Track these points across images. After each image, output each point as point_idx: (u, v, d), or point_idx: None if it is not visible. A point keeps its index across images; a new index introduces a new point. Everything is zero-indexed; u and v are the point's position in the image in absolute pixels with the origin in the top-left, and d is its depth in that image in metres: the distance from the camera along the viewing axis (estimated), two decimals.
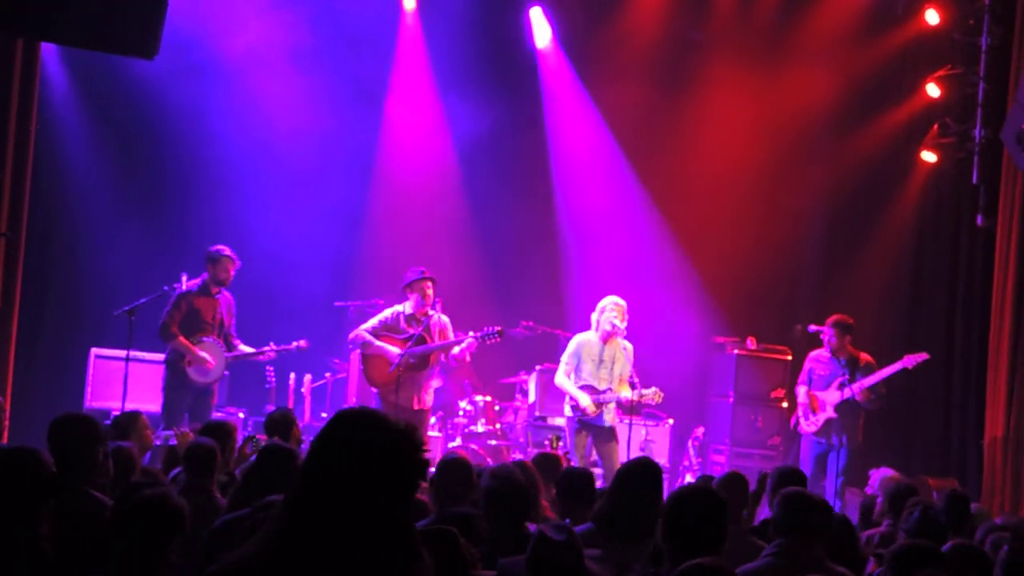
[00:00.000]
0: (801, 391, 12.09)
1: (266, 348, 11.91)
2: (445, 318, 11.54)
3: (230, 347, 11.70)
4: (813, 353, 12.29)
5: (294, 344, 11.97)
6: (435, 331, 11.42)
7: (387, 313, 11.60)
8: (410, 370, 11.30)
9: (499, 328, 11.29)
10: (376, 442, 2.88)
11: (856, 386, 11.68)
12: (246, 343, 11.97)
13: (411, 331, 11.35)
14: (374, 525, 2.84)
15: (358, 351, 12.07)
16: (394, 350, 11.30)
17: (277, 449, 6.13)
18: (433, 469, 6.31)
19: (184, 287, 11.57)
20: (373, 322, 11.59)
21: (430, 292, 11.40)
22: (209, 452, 6.89)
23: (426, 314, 11.40)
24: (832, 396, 11.79)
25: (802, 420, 12.06)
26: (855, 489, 11.70)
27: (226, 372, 12.16)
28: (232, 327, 11.77)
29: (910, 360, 11.77)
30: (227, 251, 11.63)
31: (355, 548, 2.83)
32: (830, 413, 11.76)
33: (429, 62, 15.00)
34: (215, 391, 11.63)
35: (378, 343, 11.41)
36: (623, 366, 11.19)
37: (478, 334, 11.28)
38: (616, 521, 5.64)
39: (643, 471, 5.87)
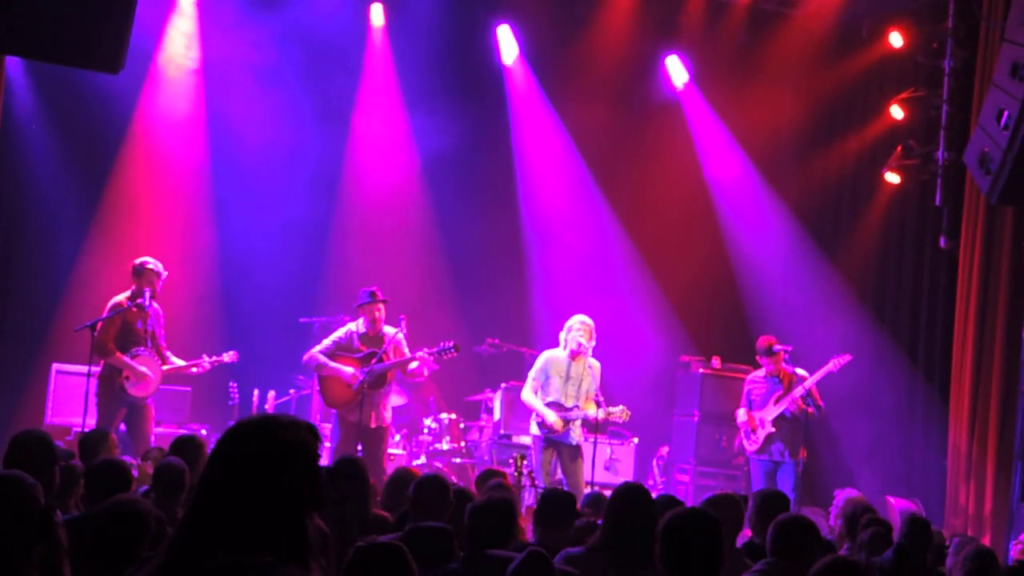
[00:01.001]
0: (740, 412, 12.15)
1: (199, 361, 11.76)
2: (400, 335, 11.44)
3: (162, 359, 11.55)
4: (749, 376, 12.36)
5: (224, 355, 11.85)
6: (389, 348, 11.34)
7: (340, 332, 11.52)
8: (368, 388, 11.24)
9: (454, 343, 11.23)
10: (266, 451, 2.95)
11: (788, 398, 11.74)
12: (208, 358, 11.85)
13: (365, 350, 11.29)
14: (264, 534, 2.91)
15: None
16: (348, 370, 11.21)
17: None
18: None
19: (111, 301, 11.38)
20: (327, 343, 11.50)
21: (379, 315, 11.35)
22: (179, 473, 6.83)
23: (379, 332, 11.35)
24: (769, 412, 11.86)
25: (745, 442, 12.12)
26: (818, 509, 11.74)
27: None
28: (161, 339, 11.62)
29: (835, 363, 11.82)
30: (151, 263, 11.45)
31: (243, 554, 2.88)
32: (768, 429, 11.83)
33: (396, 78, 14.98)
34: (151, 405, 11.47)
35: (333, 364, 11.31)
36: (590, 384, 11.19)
37: (433, 350, 11.22)
38: (615, 549, 5.67)
39: (637, 497, 5.92)
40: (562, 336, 11.31)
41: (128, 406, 11.24)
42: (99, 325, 10.99)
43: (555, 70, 15.41)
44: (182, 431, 11.64)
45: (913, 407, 13.94)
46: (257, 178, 14.33)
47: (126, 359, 11.19)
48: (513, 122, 15.54)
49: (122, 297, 11.35)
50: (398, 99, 15.03)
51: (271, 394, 13.25)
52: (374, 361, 11.14)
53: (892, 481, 13.58)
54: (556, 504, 6.70)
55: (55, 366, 12.50)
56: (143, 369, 11.25)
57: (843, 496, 10.36)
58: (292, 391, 13.54)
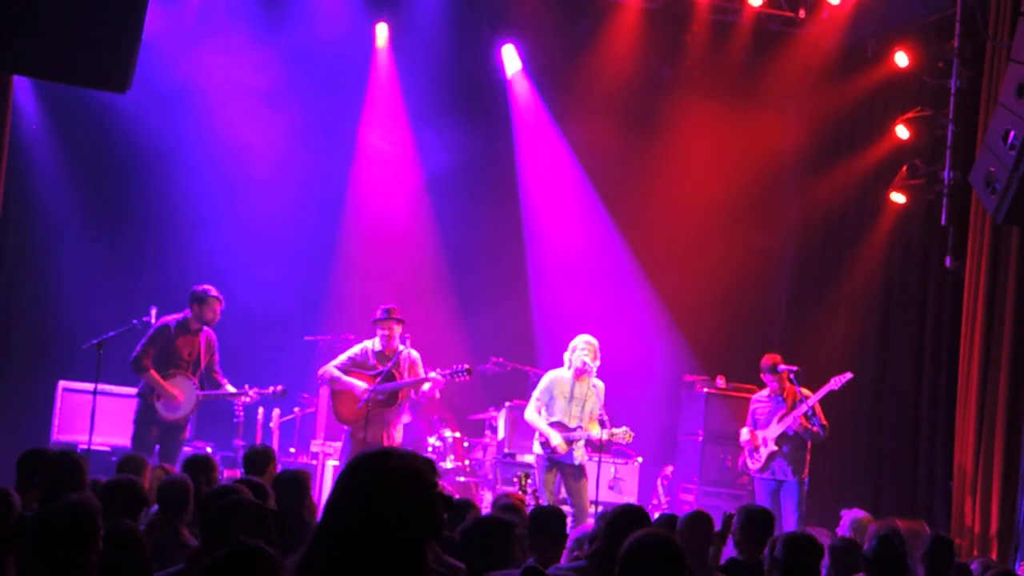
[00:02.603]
0: (744, 432, 12.17)
1: (244, 390, 11.82)
2: (415, 354, 11.52)
3: (211, 384, 11.64)
4: (755, 396, 12.37)
5: (271, 389, 11.90)
6: (404, 367, 11.40)
7: (356, 349, 11.59)
8: (379, 407, 11.27)
9: (467, 366, 11.29)
10: (383, 482, 3.07)
11: (791, 416, 11.73)
12: (251, 389, 11.89)
13: (380, 367, 11.33)
14: (395, 564, 3.02)
15: (327, 387, 12.03)
16: (362, 386, 11.27)
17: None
18: None
19: (156, 321, 11.49)
20: (342, 358, 11.57)
21: (395, 332, 11.39)
22: (182, 488, 6.83)
23: (395, 350, 11.38)
24: (772, 431, 11.86)
25: (748, 460, 12.13)
26: (824, 530, 11.71)
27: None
28: (216, 364, 11.72)
29: (836, 381, 11.83)
30: (214, 291, 11.59)
31: None
32: (771, 447, 11.83)
33: (401, 96, 15.01)
34: (186, 427, 11.55)
35: (346, 379, 11.38)
36: (594, 404, 11.19)
37: (446, 371, 11.26)
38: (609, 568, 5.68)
39: (635, 518, 5.94)
40: (566, 356, 11.32)
41: (159, 427, 11.32)
42: (140, 342, 11.22)
43: (559, 88, 15.45)
44: (187, 449, 11.68)
45: (918, 427, 13.90)
46: (262, 197, 14.33)
47: (158, 377, 11.27)
48: (517, 140, 15.57)
49: (171, 319, 11.47)
50: (402, 117, 15.06)
51: (276, 412, 13.24)
52: (380, 380, 11.17)
53: (897, 503, 13.54)
54: (547, 521, 6.73)
55: (61, 383, 12.53)
56: (173, 391, 11.32)
57: (850, 516, 10.35)
58: (297, 409, 13.54)
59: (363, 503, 3.05)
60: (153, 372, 11.28)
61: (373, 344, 11.51)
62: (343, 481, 3.13)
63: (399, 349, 11.40)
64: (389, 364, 11.31)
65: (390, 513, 3.05)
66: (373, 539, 3.02)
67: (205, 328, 11.60)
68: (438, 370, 11.33)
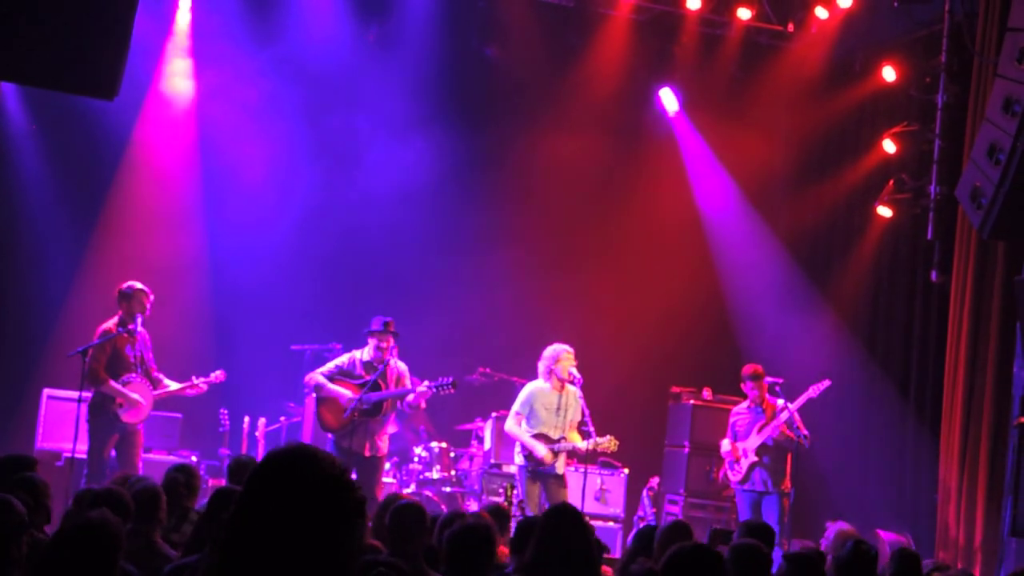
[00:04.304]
0: (724, 443, 12.17)
1: (190, 382, 11.73)
2: (402, 365, 11.53)
3: (154, 383, 11.54)
4: (735, 408, 12.39)
5: (212, 375, 11.82)
6: (391, 378, 11.41)
7: (344, 358, 11.59)
8: (363, 416, 11.26)
9: (453, 379, 11.28)
10: (306, 485, 2.80)
11: (771, 426, 11.75)
12: (197, 378, 11.82)
13: (366, 377, 11.33)
14: (309, 568, 2.77)
15: (313, 395, 12.02)
16: (348, 394, 11.27)
17: (230, 494, 6.04)
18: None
19: (100, 328, 11.36)
20: (329, 366, 11.58)
21: (388, 346, 11.40)
22: (154, 495, 6.78)
23: (383, 361, 11.39)
24: (752, 442, 11.87)
25: (728, 472, 12.14)
26: (809, 542, 11.71)
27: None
28: (151, 362, 11.59)
29: (814, 389, 11.84)
30: (139, 285, 11.47)
31: None
32: (751, 458, 11.84)
33: (389, 106, 14.98)
34: (141, 431, 11.45)
35: (332, 387, 11.37)
36: (574, 413, 11.24)
37: (432, 384, 11.26)
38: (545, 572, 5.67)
39: (571, 519, 5.90)
40: (543, 365, 11.32)
41: (120, 432, 11.23)
42: (90, 352, 10.98)
43: (547, 99, 15.44)
44: (172, 458, 11.64)
45: (904, 440, 13.93)
46: (250, 205, 14.33)
47: (118, 386, 11.18)
48: (504, 152, 15.55)
49: (110, 323, 11.34)
50: (391, 127, 15.04)
51: (261, 421, 13.22)
52: (368, 389, 11.18)
53: (882, 513, 13.55)
54: (528, 532, 6.71)
55: (46, 391, 12.47)
56: (135, 396, 11.25)
57: (834, 529, 10.35)
58: (283, 418, 13.52)
59: (275, 509, 2.79)
60: (111, 382, 11.19)
61: (362, 354, 11.51)
62: (253, 485, 2.84)
63: (387, 360, 11.40)
64: (375, 374, 11.31)
65: (306, 520, 2.78)
66: (287, 538, 2.77)
67: (138, 328, 11.42)
68: (425, 382, 11.33)
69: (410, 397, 11.33)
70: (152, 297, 11.50)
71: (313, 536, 2.78)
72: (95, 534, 4.60)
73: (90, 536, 4.59)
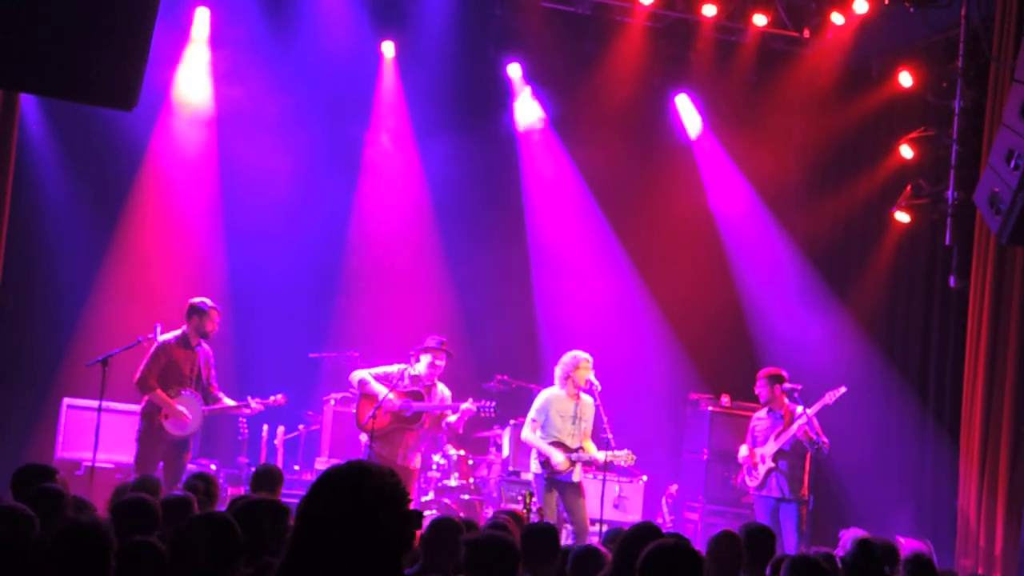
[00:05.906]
0: (743, 449, 12.12)
1: (246, 401, 11.81)
2: (447, 391, 11.60)
3: (210, 399, 11.61)
4: (755, 414, 12.34)
5: (271, 398, 11.90)
6: (435, 398, 11.51)
7: (394, 368, 11.63)
8: (401, 423, 11.31)
9: (496, 403, 11.40)
10: (363, 499, 3.14)
11: (788, 432, 11.70)
12: (254, 399, 11.89)
13: (411, 387, 11.43)
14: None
15: (331, 404, 12.04)
16: (390, 395, 11.30)
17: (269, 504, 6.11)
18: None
19: (159, 338, 11.48)
20: (377, 369, 11.63)
21: (440, 363, 11.47)
22: (185, 506, 6.81)
23: (432, 380, 11.48)
24: (769, 448, 11.83)
25: (747, 478, 12.09)
26: (827, 550, 11.66)
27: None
28: (212, 379, 11.68)
29: (830, 396, 11.79)
30: (211, 302, 11.58)
31: None
32: (769, 464, 11.79)
33: (407, 114, 15.05)
34: (191, 445, 11.53)
35: (376, 385, 11.42)
36: (589, 420, 11.23)
37: (477, 404, 11.35)
38: None
39: (649, 536, 5.91)
40: (560, 371, 11.30)
41: (167, 444, 11.30)
42: (143, 362, 11.19)
43: (564, 106, 15.46)
44: (191, 466, 11.67)
45: (923, 446, 13.90)
46: (268, 213, 14.37)
47: (164, 396, 11.26)
48: (522, 158, 15.59)
49: (171, 336, 11.42)
50: (408, 135, 15.10)
51: (280, 429, 13.25)
52: (412, 397, 11.27)
53: (902, 521, 13.52)
54: (539, 538, 6.70)
55: (66, 400, 12.52)
56: (181, 408, 11.30)
57: (849, 536, 10.30)
58: (301, 426, 13.54)
59: (341, 517, 3.14)
60: (160, 391, 11.27)
61: (414, 370, 11.55)
62: (320, 493, 3.20)
63: (434, 381, 11.51)
64: (420, 386, 11.41)
65: (369, 527, 3.13)
66: (350, 552, 3.11)
67: (202, 343, 11.57)
68: (470, 399, 11.41)
69: (452, 418, 11.40)
70: (221, 315, 11.66)
71: (375, 544, 3.13)
72: (86, 539, 4.65)
73: (80, 541, 4.64)
